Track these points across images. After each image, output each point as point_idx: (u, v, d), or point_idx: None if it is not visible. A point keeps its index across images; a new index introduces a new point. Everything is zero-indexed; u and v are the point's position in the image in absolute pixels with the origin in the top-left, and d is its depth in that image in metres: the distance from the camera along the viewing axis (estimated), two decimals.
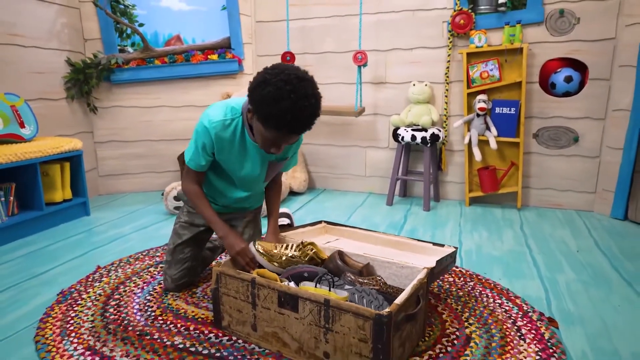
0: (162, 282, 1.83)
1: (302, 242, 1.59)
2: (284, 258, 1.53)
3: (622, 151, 2.60)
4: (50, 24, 2.79)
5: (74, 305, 1.64)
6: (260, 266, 1.52)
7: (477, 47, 2.76)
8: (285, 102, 1.23)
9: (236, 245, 1.50)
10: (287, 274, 1.45)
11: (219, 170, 1.59)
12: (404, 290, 1.31)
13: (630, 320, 1.53)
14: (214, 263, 1.87)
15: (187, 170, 1.57)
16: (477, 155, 2.81)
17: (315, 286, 1.33)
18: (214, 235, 1.94)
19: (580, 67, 2.73)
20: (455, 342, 1.40)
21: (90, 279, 1.85)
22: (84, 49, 3.07)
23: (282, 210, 2.30)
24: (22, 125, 2.49)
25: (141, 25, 3.24)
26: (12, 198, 2.34)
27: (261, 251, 1.52)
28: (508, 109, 2.76)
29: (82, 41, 3.06)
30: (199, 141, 1.47)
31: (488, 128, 2.81)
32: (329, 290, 1.30)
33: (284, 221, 2.34)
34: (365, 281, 1.38)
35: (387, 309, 1.13)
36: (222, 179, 1.62)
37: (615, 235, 2.38)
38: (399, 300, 1.18)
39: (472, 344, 1.39)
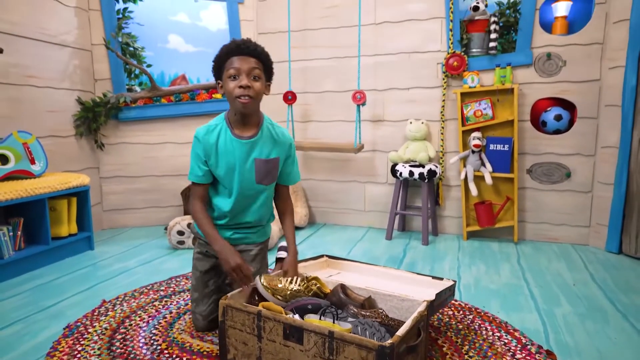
0: (167, 315, 1.86)
1: (306, 277, 1.64)
2: (288, 292, 1.57)
3: (613, 186, 2.69)
4: (63, 66, 2.93)
5: (81, 339, 1.66)
6: (263, 299, 1.55)
7: (470, 87, 2.90)
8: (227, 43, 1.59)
9: (231, 260, 1.54)
10: (291, 306, 1.49)
11: (216, 184, 1.67)
12: (405, 322, 1.36)
13: (625, 352, 1.57)
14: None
15: (191, 188, 1.68)
16: (473, 190, 2.89)
17: (320, 318, 1.37)
18: None
19: (569, 106, 2.87)
20: None
21: (96, 313, 1.88)
22: (94, 89, 3.20)
23: (282, 243, 2.32)
24: (32, 161, 2.57)
25: (149, 66, 3.39)
26: (19, 233, 2.39)
27: (266, 285, 1.57)
28: (502, 145, 2.87)
29: (93, 81, 3.20)
30: (193, 152, 1.63)
31: (483, 164, 2.91)
32: (333, 322, 1.34)
33: (282, 254, 2.34)
34: (368, 314, 1.43)
35: (390, 340, 1.17)
36: (220, 194, 1.68)
37: (610, 269, 2.43)
38: (401, 331, 1.23)
39: None
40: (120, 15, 3.23)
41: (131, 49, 3.27)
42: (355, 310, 1.44)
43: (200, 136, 1.61)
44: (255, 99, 1.55)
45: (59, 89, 2.92)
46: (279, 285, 1.59)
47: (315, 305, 1.47)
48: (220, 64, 1.57)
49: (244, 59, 1.53)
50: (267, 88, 1.63)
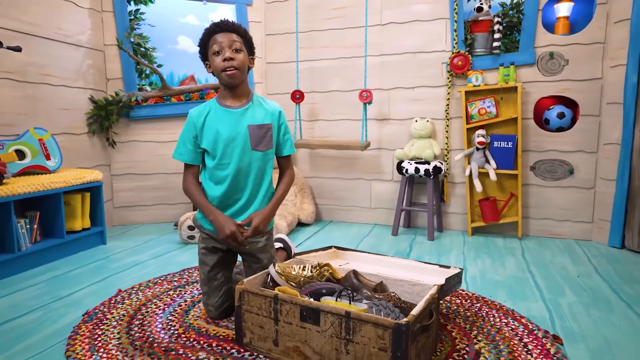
0: (182, 304, 1.91)
1: (318, 263, 1.69)
2: (301, 279, 1.63)
3: (615, 182, 2.74)
4: (77, 65, 3.01)
5: (100, 325, 1.71)
6: (278, 286, 1.60)
7: (474, 86, 2.97)
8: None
9: (226, 228, 1.62)
10: (306, 291, 1.54)
11: (212, 163, 1.69)
12: (417, 305, 1.41)
13: (631, 338, 1.62)
14: None
15: (184, 170, 1.74)
16: (478, 186, 2.95)
17: (336, 300, 1.42)
18: (239, 259, 2.00)
19: (571, 104, 2.93)
20: (466, 356, 1.48)
21: (113, 301, 1.93)
22: (106, 88, 3.27)
23: (278, 235, 2.30)
24: (48, 157, 2.63)
25: (159, 66, 3.46)
26: (36, 226, 2.45)
27: (280, 272, 1.63)
28: (506, 143, 2.93)
29: (105, 80, 3.27)
30: (183, 133, 1.72)
31: (487, 161, 2.97)
32: (350, 304, 1.39)
33: (277, 244, 2.33)
34: (381, 297, 1.48)
35: (405, 319, 1.22)
36: (216, 170, 1.69)
37: (613, 262, 2.48)
38: (415, 311, 1.28)
39: (481, 358, 1.47)
40: (132, 17, 3.30)
41: (142, 49, 3.34)
42: (369, 293, 1.49)
43: (193, 114, 1.70)
44: (240, 69, 1.65)
45: (73, 87, 2.99)
46: (293, 273, 1.64)
47: (329, 290, 1.53)
48: (204, 45, 1.69)
49: (224, 35, 1.64)
50: (251, 61, 1.73)
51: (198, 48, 1.72)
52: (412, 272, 1.79)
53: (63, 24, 2.88)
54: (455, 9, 3.03)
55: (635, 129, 2.65)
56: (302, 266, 1.68)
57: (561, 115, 2.90)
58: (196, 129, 1.69)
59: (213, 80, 3.60)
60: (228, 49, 1.63)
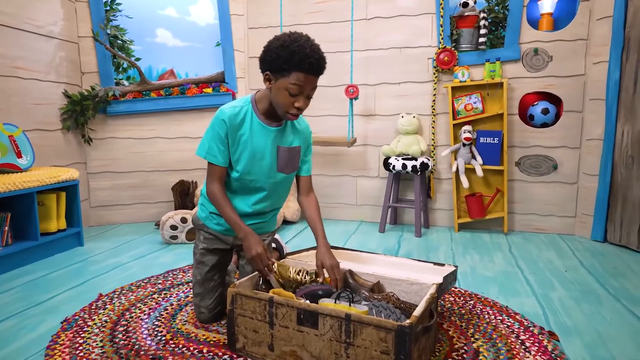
0: (168, 307, 1.83)
1: (315, 272, 1.62)
2: (294, 284, 1.57)
3: (598, 177, 2.79)
4: (49, 57, 2.85)
5: (81, 332, 1.62)
6: (271, 287, 1.54)
7: (460, 81, 2.96)
8: (300, 40, 1.43)
9: (254, 249, 1.50)
10: (301, 292, 1.49)
11: (237, 170, 1.60)
12: (416, 305, 1.38)
13: (622, 331, 1.63)
14: None
15: (208, 169, 1.59)
16: (465, 182, 2.95)
17: (335, 302, 1.37)
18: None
19: (555, 100, 2.96)
20: (465, 356, 1.46)
21: (93, 307, 1.83)
22: (80, 82, 3.12)
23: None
24: (19, 155, 2.48)
25: (138, 59, 3.32)
26: (6, 228, 2.31)
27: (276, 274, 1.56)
28: (492, 138, 2.94)
29: (80, 74, 3.11)
30: (213, 132, 1.54)
31: (474, 157, 2.97)
32: (349, 305, 1.34)
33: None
34: (379, 297, 1.44)
35: (408, 321, 1.19)
36: (240, 180, 1.61)
37: (598, 256, 2.52)
38: (417, 312, 1.24)
39: (480, 357, 1.45)
40: (108, 7, 3.15)
41: (119, 42, 3.20)
42: (366, 294, 1.45)
43: (227, 118, 1.52)
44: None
45: (45, 81, 2.83)
46: (290, 276, 1.58)
47: (325, 291, 1.48)
48: (282, 65, 1.43)
49: (311, 79, 1.46)
50: None
51: (271, 55, 1.45)
52: (407, 271, 1.76)
53: (34, 13, 2.72)
54: (441, 4, 3.02)
55: (617, 125, 2.69)
56: (296, 270, 1.62)
57: (545, 111, 2.93)
58: (227, 130, 1.53)
59: (193, 75, 3.49)
60: (306, 98, 1.48)
